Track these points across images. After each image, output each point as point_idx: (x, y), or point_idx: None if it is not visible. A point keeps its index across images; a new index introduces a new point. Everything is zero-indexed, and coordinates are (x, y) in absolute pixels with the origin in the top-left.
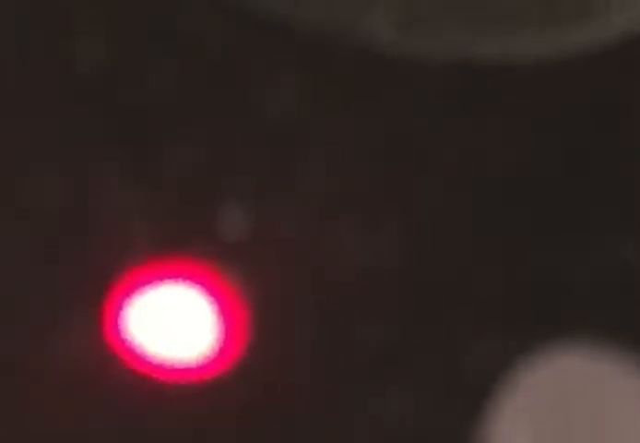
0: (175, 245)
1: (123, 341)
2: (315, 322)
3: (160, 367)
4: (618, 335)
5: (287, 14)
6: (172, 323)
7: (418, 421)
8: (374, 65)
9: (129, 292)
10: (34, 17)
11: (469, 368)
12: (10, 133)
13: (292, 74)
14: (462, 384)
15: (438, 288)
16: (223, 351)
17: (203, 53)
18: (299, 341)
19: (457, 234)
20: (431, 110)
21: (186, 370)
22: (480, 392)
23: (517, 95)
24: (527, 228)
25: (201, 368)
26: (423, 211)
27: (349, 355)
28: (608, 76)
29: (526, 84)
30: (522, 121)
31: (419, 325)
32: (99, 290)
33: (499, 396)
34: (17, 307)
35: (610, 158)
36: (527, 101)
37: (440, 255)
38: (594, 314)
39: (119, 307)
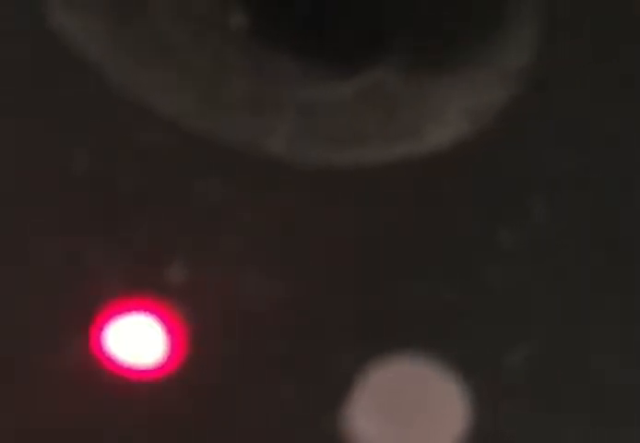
0: (136, 288)
1: (103, 351)
2: (235, 340)
3: (128, 369)
4: (440, 349)
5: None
6: (136, 339)
7: (300, 412)
8: (271, 169)
9: (107, 318)
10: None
11: (336, 372)
12: (19, 213)
13: (219, 176)
14: (329, 385)
15: (317, 317)
16: (169, 359)
17: (157, 161)
18: (223, 352)
19: (338, 283)
20: (312, 200)
21: (144, 371)
22: (345, 391)
23: (366, 192)
24: (381, 274)
25: (154, 371)
26: (307, 266)
27: (257, 362)
28: (437, 176)
29: (372, 183)
30: (370, 211)
31: (305, 340)
32: (86, 317)
33: (355, 394)
34: (21, 323)
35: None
36: (372, 196)
37: (323, 293)
38: (423, 334)
39: (100, 329)
